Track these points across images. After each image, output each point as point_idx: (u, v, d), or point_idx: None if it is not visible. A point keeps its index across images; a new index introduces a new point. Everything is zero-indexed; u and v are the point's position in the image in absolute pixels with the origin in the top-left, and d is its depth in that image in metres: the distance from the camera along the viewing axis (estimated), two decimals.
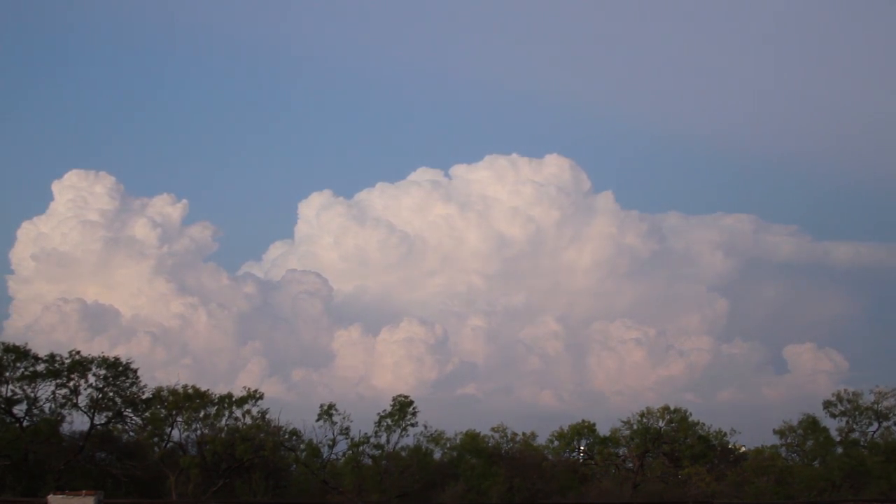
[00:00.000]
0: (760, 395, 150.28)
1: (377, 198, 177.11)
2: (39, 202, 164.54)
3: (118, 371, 72.74)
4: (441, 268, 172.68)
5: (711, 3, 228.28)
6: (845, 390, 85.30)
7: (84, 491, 61.54)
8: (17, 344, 72.17)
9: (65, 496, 60.69)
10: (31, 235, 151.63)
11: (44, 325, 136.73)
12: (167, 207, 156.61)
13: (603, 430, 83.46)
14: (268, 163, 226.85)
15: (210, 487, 71.72)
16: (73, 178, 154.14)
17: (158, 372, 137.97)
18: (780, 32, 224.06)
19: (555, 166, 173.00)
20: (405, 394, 76.54)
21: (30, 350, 72.05)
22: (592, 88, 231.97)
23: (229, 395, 74.06)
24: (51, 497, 60.95)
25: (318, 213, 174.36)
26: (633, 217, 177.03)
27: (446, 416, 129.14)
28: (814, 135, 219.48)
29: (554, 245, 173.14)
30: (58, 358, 71.94)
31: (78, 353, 72.60)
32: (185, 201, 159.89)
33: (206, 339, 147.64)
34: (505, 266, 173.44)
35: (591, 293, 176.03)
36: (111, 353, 73.98)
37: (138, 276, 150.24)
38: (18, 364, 71.37)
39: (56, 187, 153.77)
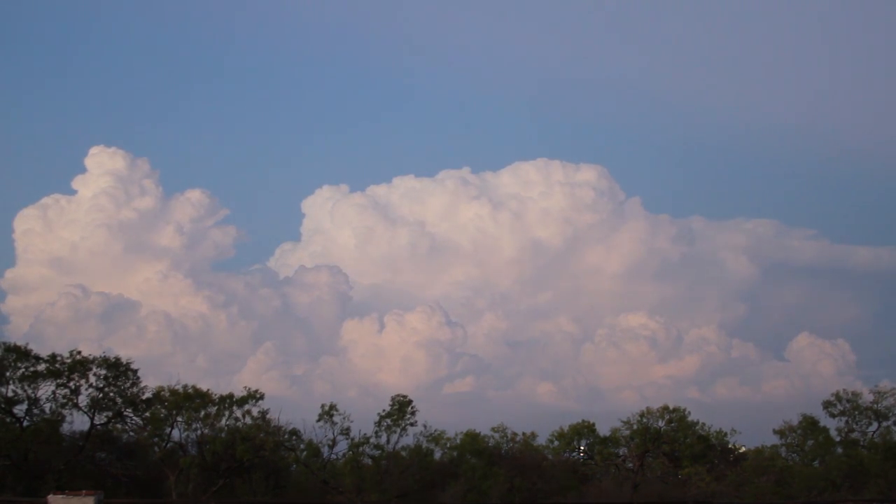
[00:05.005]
0: (770, 393, 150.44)
1: (394, 194, 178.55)
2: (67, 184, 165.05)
3: (118, 371, 72.80)
4: (459, 264, 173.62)
5: (728, 7, 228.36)
6: (844, 390, 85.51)
7: (84, 491, 61.80)
8: (20, 343, 72.46)
9: (65, 496, 60.90)
10: (40, 227, 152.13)
11: (57, 319, 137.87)
12: (201, 207, 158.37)
13: (606, 428, 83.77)
14: (273, 161, 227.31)
15: (210, 487, 71.76)
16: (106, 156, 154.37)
17: (171, 368, 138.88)
18: (795, 37, 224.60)
19: (585, 172, 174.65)
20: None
21: (31, 350, 72.25)
22: (613, 92, 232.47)
23: (230, 395, 74.08)
24: (51, 497, 61.10)
25: (329, 208, 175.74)
26: (664, 222, 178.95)
27: (453, 413, 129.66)
28: (830, 138, 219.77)
29: (582, 248, 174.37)
30: (58, 358, 71.99)
31: (79, 353, 72.68)
32: (226, 210, 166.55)
33: (221, 337, 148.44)
34: (530, 267, 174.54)
35: (617, 295, 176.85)
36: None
37: (158, 272, 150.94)
38: (19, 364, 71.42)
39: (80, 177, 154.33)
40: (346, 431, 74.43)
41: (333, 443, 74.54)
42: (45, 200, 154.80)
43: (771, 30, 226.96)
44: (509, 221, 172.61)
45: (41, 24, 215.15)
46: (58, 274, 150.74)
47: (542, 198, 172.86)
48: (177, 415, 73.32)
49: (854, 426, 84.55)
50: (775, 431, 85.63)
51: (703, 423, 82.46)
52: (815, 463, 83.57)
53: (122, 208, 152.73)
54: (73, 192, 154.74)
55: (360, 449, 74.50)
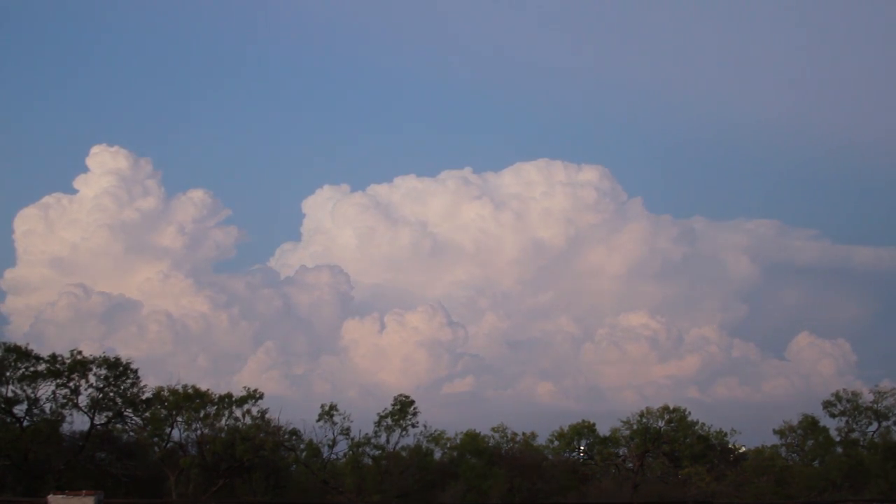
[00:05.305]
0: (770, 393, 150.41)
1: (395, 194, 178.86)
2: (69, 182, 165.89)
3: (118, 371, 72.74)
4: (461, 264, 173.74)
5: (731, 7, 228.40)
6: (845, 390, 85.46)
7: (84, 491, 61.78)
8: (20, 343, 72.40)
9: (65, 496, 60.89)
10: (41, 225, 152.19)
11: (58, 319, 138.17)
12: (203, 207, 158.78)
13: (606, 428, 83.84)
14: (273, 161, 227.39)
15: (210, 487, 71.75)
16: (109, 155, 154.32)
17: (172, 368, 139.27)
18: (797, 37, 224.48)
19: (587, 172, 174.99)
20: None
21: (31, 350, 72.17)
22: (615, 93, 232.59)
23: (229, 395, 74.08)
24: (51, 497, 61.10)
25: (330, 208, 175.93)
26: (665, 222, 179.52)
27: (453, 413, 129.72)
28: (832, 138, 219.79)
29: (583, 249, 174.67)
30: (58, 358, 71.93)
31: (79, 353, 72.59)
32: (228, 210, 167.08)
33: (222, 338, 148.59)
34: (532, 268, 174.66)
35: (618, 295, 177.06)
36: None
37: (159, 272, 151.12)
38: (19, 364, 71.34)
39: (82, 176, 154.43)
40: (346, 431, 74.61)
41: (333, 443, 74.76)
42: (47, 199, 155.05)
43: (773, 30, 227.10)
44: (511, 222, 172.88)
45: (44, 23, 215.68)
46: (58, 274, 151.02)
47: (544, 198, 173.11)
48: (177, 415, 73.32)
49: (854, 426, 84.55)
50: (775, 431, 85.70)
51: (703, 423, 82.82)
52: (815, 463, 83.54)
53: (124, 208, 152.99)
54: (74, 192, 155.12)
55: (361, 449, 74.56)
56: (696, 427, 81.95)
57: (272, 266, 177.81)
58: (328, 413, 74.33)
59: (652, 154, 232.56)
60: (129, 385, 73.03)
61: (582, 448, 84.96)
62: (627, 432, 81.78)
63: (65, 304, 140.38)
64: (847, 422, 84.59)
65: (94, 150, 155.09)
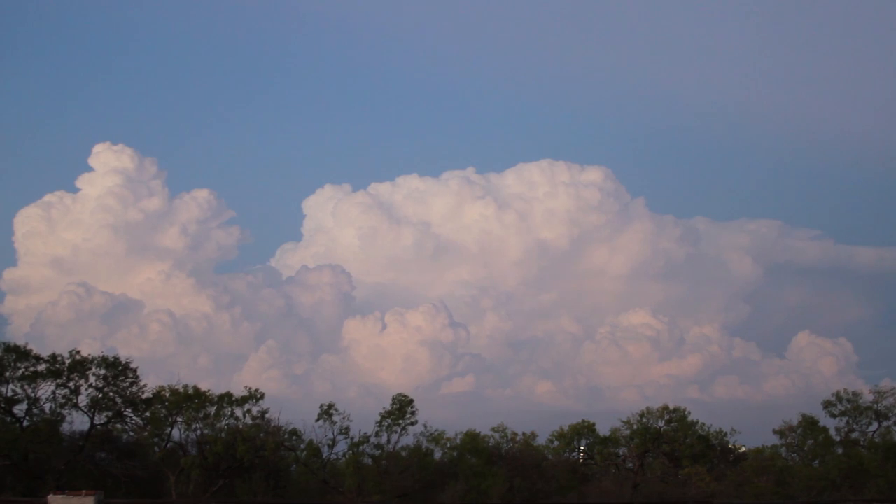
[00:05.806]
0: (771, 393, 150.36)
1: (397, 193, 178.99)
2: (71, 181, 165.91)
3: (118, 371, 72.81)
4: (463, 264, 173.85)
5: (736, 8, 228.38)
6: (845, 390, 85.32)
7: (84, 491, 61.70)
8: (19, 343, 72.45)
9: (65, 496, 60.82)
10: (44, 225, 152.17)
11: (59, 319, 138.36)
12: (208, 208, 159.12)
13: (606, 428, 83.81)
14: (275, 161, 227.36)
15: (210, 487, 71.82)
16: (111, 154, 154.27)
17: (174, 368, 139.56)
18: (800, 38, 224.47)
19: (590, 173, 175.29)
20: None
21: (31, 350, 72.24)
22: (617, 93, 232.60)
23: (228, 394, 74.11)
24: (51, 497, 61.10)
25: (332, 207, 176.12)
26: (668, 222, 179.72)
27: (453, 413, 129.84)
28: (834, 139, 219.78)
29: (587, 249, 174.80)
30: (58, 358, 72.01)
31: (78, 352, 72.69)
32: (232, 212, 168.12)
33: (223, 338, 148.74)
34: (535, 268, 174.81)
35: (621, 295, 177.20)
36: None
37: (161, 272, 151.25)
38: (19, 364, 71.43)
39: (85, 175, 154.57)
40: (345, 431, 74.62)
41: (333, 442, 74.75)
42: (49, 198, 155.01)
43: (777, 32, 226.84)
44: (514, 222, 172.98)
45: (48, 22, 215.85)
46: (60, 274, 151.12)
47: (547, 198, 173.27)
48: (177, 415, 73.40)
49: (854, 426, 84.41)
50: (775, 431, 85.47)
51: (703, 423, 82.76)
52: (815, 463, 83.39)
53: (128, 208, 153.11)
54: (76, 191, 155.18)
55: (360, 448, 74.57)
56: (697, 427, 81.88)
57: (273, 266, 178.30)
58: (327, 412, 74.34)
59: (655, 155, 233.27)
60: (128, 385, 73.11)
61: (582, 448, 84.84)
62: (627, 432, 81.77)
63: (66, 303, 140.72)
64: (847, 422, 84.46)
65: (97, 148, 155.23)
